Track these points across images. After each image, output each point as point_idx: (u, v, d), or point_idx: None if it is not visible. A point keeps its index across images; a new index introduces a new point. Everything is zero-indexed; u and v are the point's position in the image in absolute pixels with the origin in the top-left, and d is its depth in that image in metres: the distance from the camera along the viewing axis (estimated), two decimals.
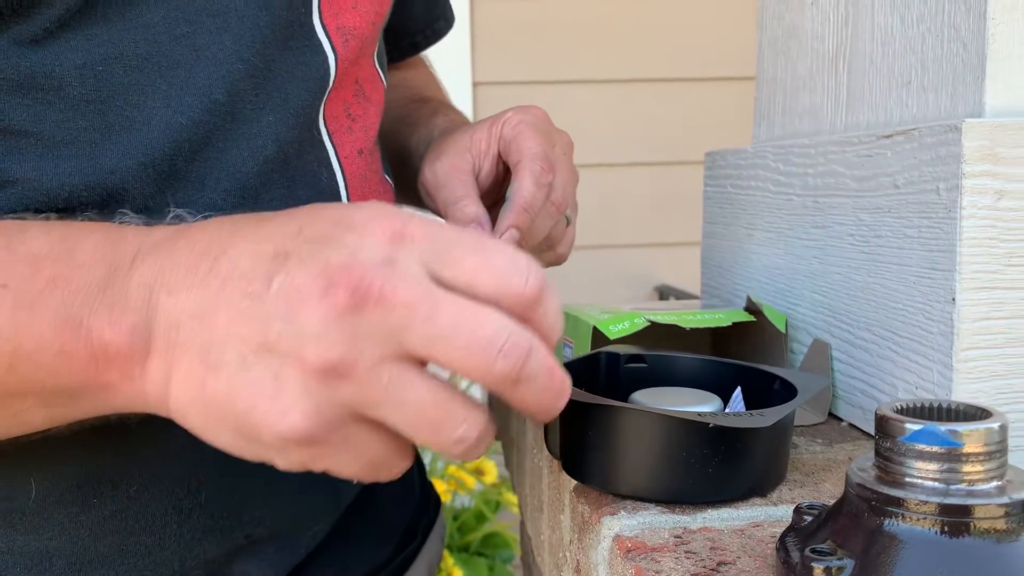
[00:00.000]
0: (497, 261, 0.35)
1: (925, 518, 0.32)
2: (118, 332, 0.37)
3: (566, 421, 0.46)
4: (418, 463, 0.77)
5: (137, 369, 0.37)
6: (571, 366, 0.50)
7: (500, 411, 0.87)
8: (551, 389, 0.36)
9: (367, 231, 0.35)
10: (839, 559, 0.32)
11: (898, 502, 0.32)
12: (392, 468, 0.38)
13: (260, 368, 0.35)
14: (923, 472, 0.32)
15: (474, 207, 0.59)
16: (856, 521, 0.33)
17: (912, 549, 0.31)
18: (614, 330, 0.57)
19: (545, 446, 0.56)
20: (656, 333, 0.60)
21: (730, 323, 0.59)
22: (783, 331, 0.59)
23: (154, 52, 0.46)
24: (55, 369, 0.38)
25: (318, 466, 0.37)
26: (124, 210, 0.44)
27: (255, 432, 0.35)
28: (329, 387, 0.34)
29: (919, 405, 0.35)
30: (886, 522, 0.32)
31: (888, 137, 0.51)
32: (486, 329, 0.34)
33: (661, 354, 0.53)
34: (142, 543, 0.50)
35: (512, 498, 1.81)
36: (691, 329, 0.60)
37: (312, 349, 0.34)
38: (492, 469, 1.83)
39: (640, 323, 0.57)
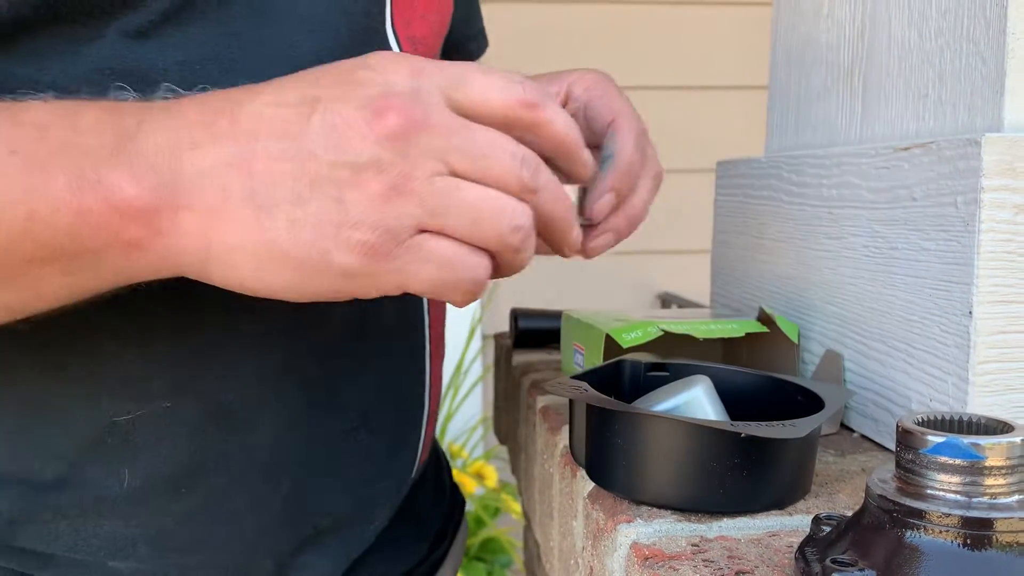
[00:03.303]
0: (498, 79, 0.40)
1: (947, 530, 0.32)
2: (143, 187, 0.37)
3: (594, 428, 0.46)
4: (446, 465, 0.78)
5: (167, 223, 0.38)
6: (595, 373, 0.50)
7: (508, 417, 0.87)
8: (561, 199, 0.42)
9: (389, 70, 0.39)
10: (860, 570, 0.33)
11: (920, 514, 0.32)
12: (469, 275, 0.40)
13: (319, 199, 0.37)
14: (945, 484, 0.32)
15: None
16: (877, 532, 0.34)
17: (934, 561, 0.32)
18: (627, 338, 0.57)
19: (555, 453, 0.56)
20: (667, 341, 0.61)
21: (743, 333, 0.59)
22: (795, 341, 0.59)
23: (243, 56, 0.47)
24: (75, 230, 0.38)
25: (391, 283, 0.39)
26: (121, 84, 0.44)
27: (323, 259, 0.37)
28: (392, 204, 0.37)
29: (940, 417, 0.35)
30: (908, 534, 0.32)
31: (906, 150, 0.51)
32: (511, 146, 0.39)
33: (683, 363, 0.53)
34: (220, 533, 0.51)
35: (513, 503, 1.81)
36: (704, 339, 0.60)
37: (370, 174, 0.37)
38: (492, 474, 1.83)
39: (653, 332, 0.57)
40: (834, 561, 0.33)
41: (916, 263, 0.50)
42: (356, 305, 0.48)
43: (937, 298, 0.48)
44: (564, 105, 0.57)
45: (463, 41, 0.80)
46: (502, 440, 0.93)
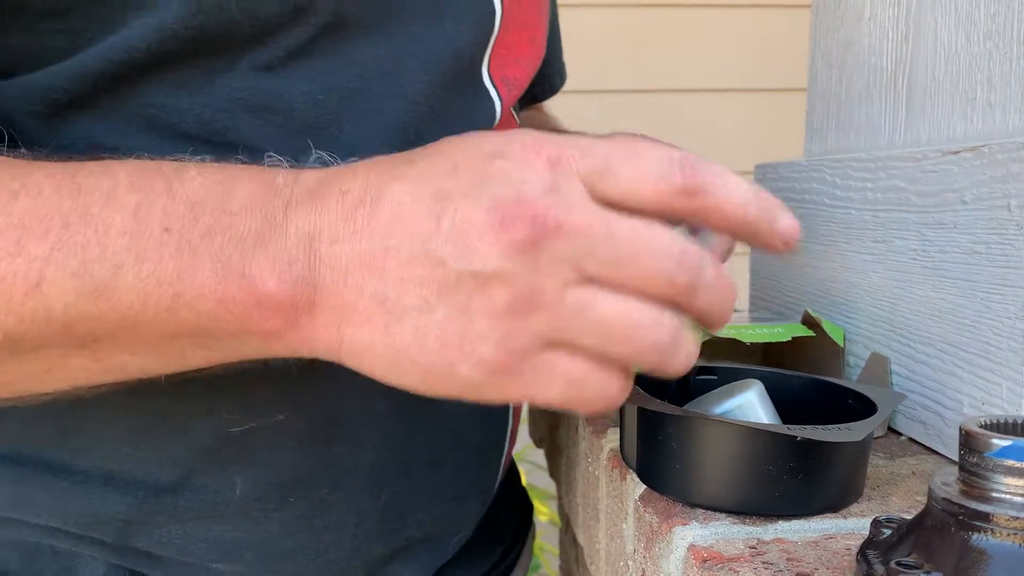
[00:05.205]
0: (650, 165, 0.36)
1: (1015, 533, 0.32)
2: (283, 282, 0.37)
3: (647, 431, 0.46)
4: (516, 472, 0.80)
5: (304, 316, 0.38)
6: (644, 377, 0.50)
7: (545, 420, 0.87)
8: (726, 295, 0.38)
9: (525, 161, 0.36)
10: (927, 572, 0.33)
11: (986, 517, 0.32)
12: (601, 389, 0.37)
13: (445, 308, 0.36)
14: (1012, 488, 0.33)
15: None
16: (941, 535, 0.34)
17: (1003, 564, 0.32)
18: None
19: (601, 456, 0.56)
20: (708, 345, 0.61)
21: (790, 337, 0.59)
22: (841, 345, 0.59)
23: (363, 88, 0.49)
24: (216, 315, 0.38)
25: (515, 395, 0.37)
26: (271, 153, 0.45)
27: (449, 370, 0.36)
28: (518, 319, 0.35)
29: (1003, 421, 0.35)
30: (974, 537, 0.33)
31: (955, 153, 0.51)
32: (661, 244, 0.35)
33: (732, 367, 0.53)
34: (322, 541, 0.53)
35: (540, 506, 1.81)
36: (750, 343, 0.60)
37: (497, 285, 0.35)
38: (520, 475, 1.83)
39: (700, 336, 0.58)
40: (899, 564, 0.33)
41: (967, 266, 0.50)
42: None
43: (990, 301, 0.48)
44: None
45: (547, 76, 0.83)
46: (538, 443, 0.93)
